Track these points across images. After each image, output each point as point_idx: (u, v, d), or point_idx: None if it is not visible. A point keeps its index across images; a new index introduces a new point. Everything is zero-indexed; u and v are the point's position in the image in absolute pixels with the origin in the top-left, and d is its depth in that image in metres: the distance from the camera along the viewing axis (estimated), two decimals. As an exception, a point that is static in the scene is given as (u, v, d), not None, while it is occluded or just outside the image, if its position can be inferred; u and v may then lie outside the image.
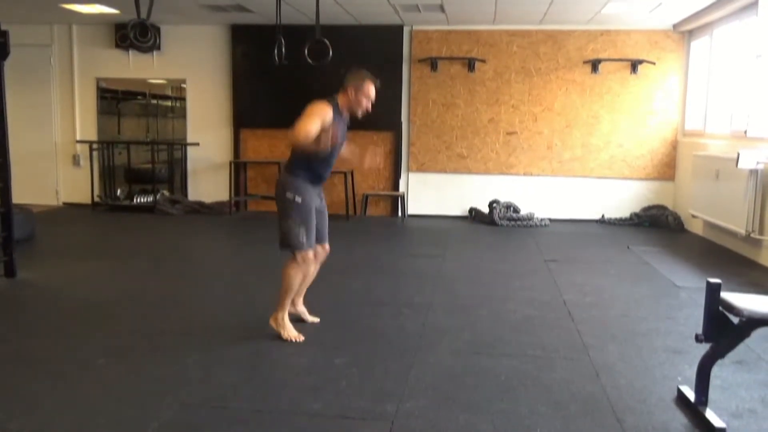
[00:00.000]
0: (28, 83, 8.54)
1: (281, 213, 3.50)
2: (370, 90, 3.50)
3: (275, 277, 3.76)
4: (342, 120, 3.53)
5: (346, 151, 3.71)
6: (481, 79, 8.08)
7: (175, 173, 8.86)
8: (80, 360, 3.24)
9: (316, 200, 3.57)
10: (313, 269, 3.69)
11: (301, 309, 3.83)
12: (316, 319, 3.86)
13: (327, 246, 3.76)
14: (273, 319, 3.56)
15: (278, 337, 3.51)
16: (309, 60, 6.39)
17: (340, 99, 3.52)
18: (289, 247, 3.47)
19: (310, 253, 3.51)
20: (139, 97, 10.07)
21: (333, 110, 3.39)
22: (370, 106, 3.54)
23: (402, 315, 4.07)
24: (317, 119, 3.31)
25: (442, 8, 7.04)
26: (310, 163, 3.47)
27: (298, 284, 3.58)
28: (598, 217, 8.08)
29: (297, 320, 3.74)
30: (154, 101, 10.18)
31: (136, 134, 9.87)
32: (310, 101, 3.44)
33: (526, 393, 2.91)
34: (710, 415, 2.64)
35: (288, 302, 3.57)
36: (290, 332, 3.52)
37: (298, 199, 3.43)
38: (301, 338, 3.51)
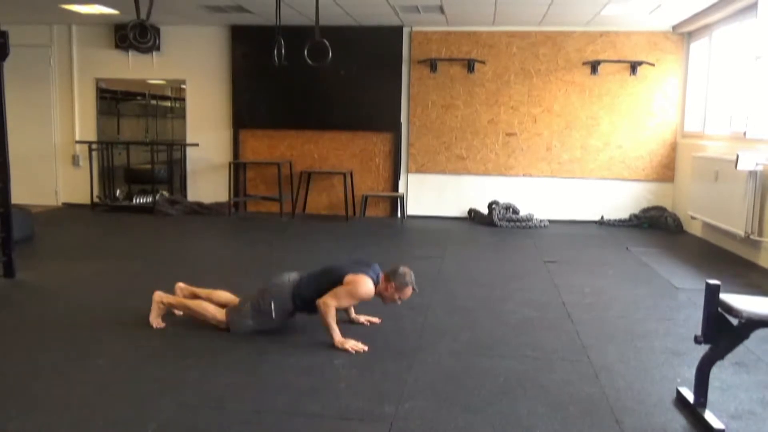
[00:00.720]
0: (28, 84, 8.54)
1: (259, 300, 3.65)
2: (407, 294, 3.59)
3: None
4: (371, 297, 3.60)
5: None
6: (481, 80, 8.08)
7: (175, 174, 8.86)
8: (79, 361, 3.24)
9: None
10: None
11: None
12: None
13: None
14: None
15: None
16: (309, 61, 6.39)
17: (382, 283, 3.57)
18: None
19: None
20: (138, 97, 10.06)
21: (373, 289, 3.50)
22: (397, 303, 3.64)
23: (401, 316, 4.06)
24: (354, 301, 3.54)
25: (441, 9, 7.04)
26: (300, 300, 3.62)
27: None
28: (597, 218, 8.08)
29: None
30: (153, 102, 10.18)
31: (135, 135, 9.87)
32: (359, 273, 3.51)
33: (525, 394, 2.91)
34: (709, 416, 2.64)
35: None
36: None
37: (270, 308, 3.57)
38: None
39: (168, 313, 3.86)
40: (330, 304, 3.43)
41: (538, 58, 7.98)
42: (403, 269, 3.56)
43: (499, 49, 8.03)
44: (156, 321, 3.73)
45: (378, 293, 3.58)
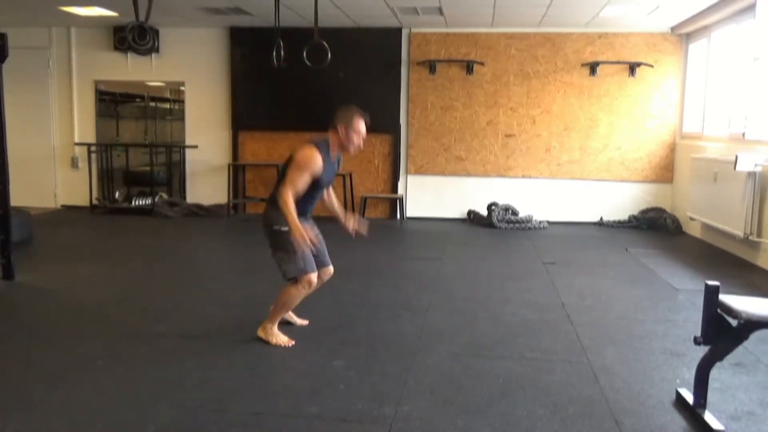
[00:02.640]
0: (27, 86, 8.53)
1: (273, 246, 3.48)
2: (360, 125, 3.46)
3: (273, 279, 3.76)
4: (331, 161, 3.50)
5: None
6: (480, 81, 8.09)
7: (174, 176, 8.85)
8: (78, 362, 3.24)
9: (308, 226, 3.52)
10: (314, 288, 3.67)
11: (290, 314, 3.82)
12: (305, 322, 3.86)
13: (330, 268, 3.73)
14: (262, 330, 3.55)
15: (267, 344, 3.48)
16: (308, 63, 6.40)
17: (332, 138, 3.49)
18: (292, 276, 3.44)
19: (314, 276, 3.46)
20: (137, 99, 10.08)
21: (322, 155, 3.38)
22: (362, 142, 3.52)
23: (400, 317, 4.07)
24: (306, 174, 3.34)
25: (440, 11, 7.04)
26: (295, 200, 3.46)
27: (296, 304, 3.58)
28: (596, 219, 8.08)
29: (284, 323, 3.73)
30: (152, 104, 10.20)
31: (134, 137, 9.88)
32: (303, 145, 3.41)
33: (525, 395, 2.91)
34: (709, 417, 2.64)
35: (280, 317, 3.57)
36: (280, 338, 3.51)
37: (284, 229, 3.37)
38: (292, 342, 3.49)
39: (165, 316, 3.85)
40: (284, 192, 3.29)
41: (537, 59, 7.99)
42: (343, 109, 3.47)
43: (497, 50, 8.03)
44: (286, 340, 3.53)
45: (336, 145, 3.47)
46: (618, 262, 5.91)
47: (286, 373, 3.15)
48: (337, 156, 3.57)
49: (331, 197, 3.76)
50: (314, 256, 3.49)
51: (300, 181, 3.33)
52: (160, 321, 3.93)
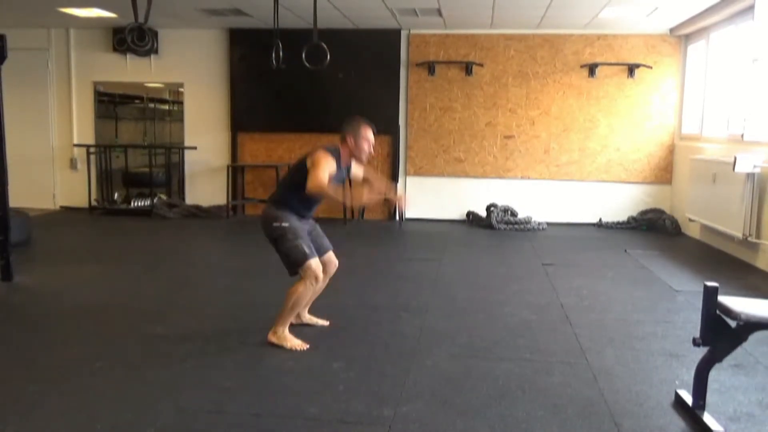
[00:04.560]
0: (26, 87, 8.53)
1: (274, 242, 3.49)
2: (368, 133, 3.54)
3: (273, 280, 3.76)
4: (341, 168, 3.54)
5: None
6: (479, 83, 8.09)
7: (173, 177, 8.85)
8: (77, 364, 3.23)
9: (305, 226, 3.57)
10: (322, 285, 3.67)
11: (308, 318, 3.84)
12: (326, 322, 3.87)
13: (334, 259, 3.74)
14: (273, 335, 3.51)
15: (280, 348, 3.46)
16: (307, 64, 6.40)
17: (342, 149, 3.54)
18: (297, 265, 3.43)
19: (319, 269, 3.46)
20: (136, 100, 10.08)
21: (334, 159, 3.43)
22: (372, 149, 3.59)
23: (399, 319, 4.07)
24: (327, 169, 3.37)
25: (439, 12, 7.05)
26: (297, 203, 3.50)
27: (305, 303, 3.57)
28: (595, 220, 8.08)
29: (303, 326, 3.74)
30: (151, 105, 10.20)
31: (133, 138, 9.88)
32: (315, 149, 3.47)
33: (524, 397, 2.91)
34: (708, 418, 2.64)
35: (290, 319, 3.55)
36: (293, 342, 3.49)
37: (285, 224, 3.44)
38: (306, 345, 3.48)
39: (164, 317, 3.85)
40: (315, 177, 3.30)
41: (536, 60, 7.99)
42: (349, 120, 3.55)
43: (496, 51, 8.04)
44: (299, 343, 3.51)
45: (346, 155, 3.54)
46: (617, 263, 5.91)
47: (285, 375, 3.15)
48: (347, 165, 3.61)
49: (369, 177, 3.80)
50: (314, 243, 3.53)
51: (326, 168, 3.34)
52: (159, 322, 3.92)
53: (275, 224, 3.45)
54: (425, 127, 8.23)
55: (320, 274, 3.48)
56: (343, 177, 3.62)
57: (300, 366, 3.27)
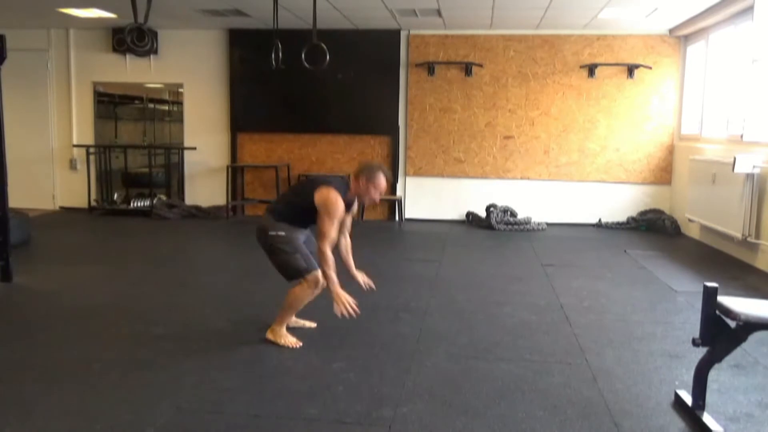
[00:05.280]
0: (25, 87, 8.53)
1: (270, 252, 3.52)
2: (382, 184, 3.52)
3: (272, 280, 3.76)
4: (346, 202, 3.54)
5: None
6: (478, 83, 8.09)
7: (172, 177, 8.85)
8: (76, 365, 3.24)
9: (301, 236, 3.58)
10: (319, 291, 3.67)
11: (293, 321, 3.82)
12: (313, 324, 3.86)
13: None
14: (271, 332, 3.57)
15: (275, 345, 3.51)
16: (306, 64, 6.40)
17: (352, 184, 3.54)
18: (296, 276, 3.48)
19: (319, 274, 3.47)
20: (136, 101, 10.09)
21: (341, 195, 3.43)
22: (378, 198, 3.59)
23: (399, 319, 4.07)
24: (337, 220, 3.41)
25: (439, 13, 7.05)
26: (296, 220, 3.53)
27: (303, 305, 3.58)
28: (595, 221, 8.09)
29: (292, 329, 3.74)
30: (151, 105, 10.21)
31: (133, 138, 9.89)
32: (327, 185, 3.44)
33: (523, 397, 2.91)
34: (707, 419, 2.64)
35: (288, 319, 3.61)
36: (288, 339, 3.54)
37: (281, 233, 3.46)
38: (300, 343, 3.52)
39: (163, 318, 3.85)
40: (324, 248, 3.34)
41: (536, 61, 8.00)
42: (370, 162, 3.57)
43: (496, 52, 8.04)
44: (294, 341, 3.55)
45: (354, 195, 3.54)
46: (617, 263, 5.91)
47: (285, 375, 3.15)
48: (350, 202, 3.60)
49: (348, 243, 3.78)
50: (309, 249, 3.56)
51: (334, 230, 3.41)
52: (158, 323, 3.92)
53: (270, 233, 3.48)
54: (425, 127, 8.23)
55: (320, 281, 3.49)
56: (347, 209, 3.62)
57: (299, 366, 3.27)
